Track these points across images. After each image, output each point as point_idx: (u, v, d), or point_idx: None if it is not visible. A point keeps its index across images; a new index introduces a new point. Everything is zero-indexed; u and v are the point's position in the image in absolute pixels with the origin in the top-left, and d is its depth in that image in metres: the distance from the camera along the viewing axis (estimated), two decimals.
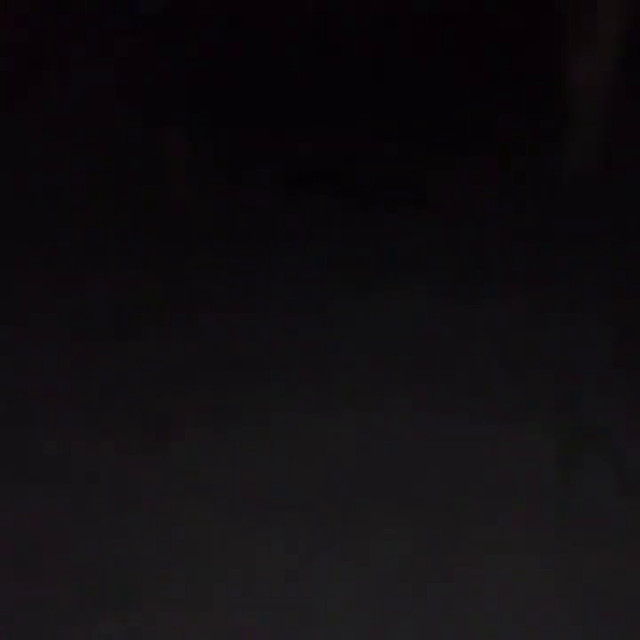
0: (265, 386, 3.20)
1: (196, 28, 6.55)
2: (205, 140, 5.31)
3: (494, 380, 3.21)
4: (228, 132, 5.55)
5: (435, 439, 2.92)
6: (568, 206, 4.62)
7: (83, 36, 6.38)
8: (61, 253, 4.01)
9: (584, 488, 2.67)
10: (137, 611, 2.27)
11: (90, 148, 5.10)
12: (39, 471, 2.79)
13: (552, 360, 3.33)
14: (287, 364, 3.32)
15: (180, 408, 3.01)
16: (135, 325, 3.51)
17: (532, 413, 3.00)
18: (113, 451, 2.85)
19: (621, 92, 4.99)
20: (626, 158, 4.94)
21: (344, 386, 3.19)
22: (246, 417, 3.00)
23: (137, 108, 5.59)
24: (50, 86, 5.77)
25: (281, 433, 2.92)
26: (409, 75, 6.62)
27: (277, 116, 5.86)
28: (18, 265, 3.91)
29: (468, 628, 2.22)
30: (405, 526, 2.53)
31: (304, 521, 2.56)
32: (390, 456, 2.84)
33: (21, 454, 2.85)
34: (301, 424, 2.98)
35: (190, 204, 4.72)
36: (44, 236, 4.15)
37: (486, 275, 4.03)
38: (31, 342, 3.39)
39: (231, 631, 2.22)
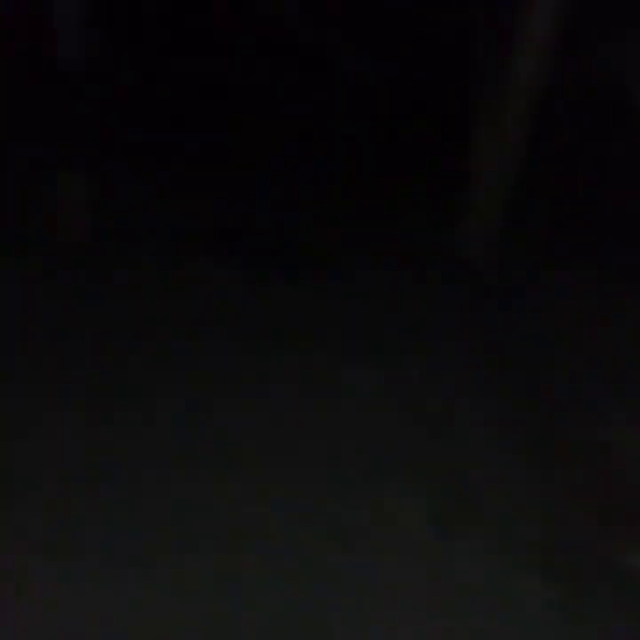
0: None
1: None
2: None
3: (374, 440, 3.34)
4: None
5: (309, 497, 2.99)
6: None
7: None
8: None
9: (457, 548, 2.78)
10: None
11: None
12: None
13: (429, 421, 3.47)
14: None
15: None
16: None
17: (407, 474, 3.11)
18: None
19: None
20: None
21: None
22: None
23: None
24: None
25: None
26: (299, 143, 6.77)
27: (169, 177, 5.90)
28: None
29: None
30: (279, 587, 2.59)
31: None
32: (271, 511, 2.90)
33: None
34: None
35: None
36: None
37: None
38: None
39: None
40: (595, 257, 4.79)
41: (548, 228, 5.29)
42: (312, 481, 3.09)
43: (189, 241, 5.10)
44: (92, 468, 3.02)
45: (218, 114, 7.07)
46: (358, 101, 7.42)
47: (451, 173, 5.37)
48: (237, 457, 3.20)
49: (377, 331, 4.34)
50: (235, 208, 5.66)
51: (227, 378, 3.76)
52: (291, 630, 2.44)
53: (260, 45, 7.21)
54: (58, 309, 4.17)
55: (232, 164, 6.39)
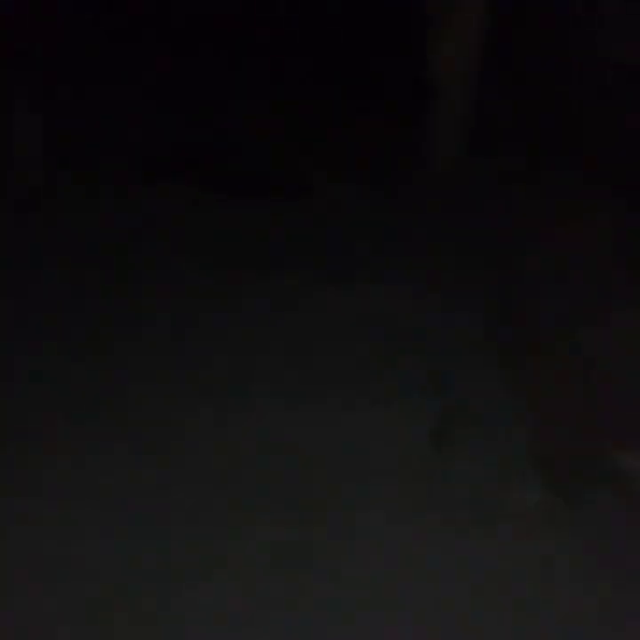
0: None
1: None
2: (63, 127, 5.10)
3: (371, 364, 3.37)
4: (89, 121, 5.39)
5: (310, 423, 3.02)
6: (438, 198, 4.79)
7: None
8: None
9: (457, 462, 2.84)
10: None
11: None
12: None
13: (424, 343, 3.50)
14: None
15: None
16: None
17: (406, 395, 3.14)
18: None
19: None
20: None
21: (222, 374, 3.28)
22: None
23: None
24: None
25: None
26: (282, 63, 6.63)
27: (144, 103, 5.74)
28: None
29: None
30: (283, 507, 2.63)
31: None
32: (269, 439, 2.93)
33: None
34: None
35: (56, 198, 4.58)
36: None
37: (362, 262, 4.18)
38: None
39: None
40: (557, 165, 4.80)
41: (510, 137, 5.27)
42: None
43: (164, 169, 5.06)
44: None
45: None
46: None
47: (417, 88, 5.30)
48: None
49: (354, 248, 4.37)
50: (209, 132, 5.59)
51: (206, 302, 3.80)
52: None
53: None
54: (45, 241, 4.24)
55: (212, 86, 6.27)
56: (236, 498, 2.66)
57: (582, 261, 3.86)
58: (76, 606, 2.23)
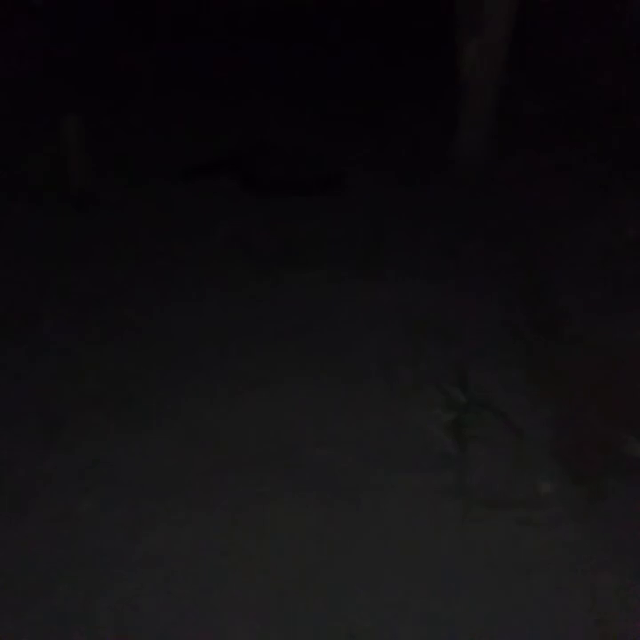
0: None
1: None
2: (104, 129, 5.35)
3: (396, 353, 3.44)
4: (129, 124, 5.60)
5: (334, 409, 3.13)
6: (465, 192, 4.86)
7: None
8: None
9: (475, 450, 2.90)
10: None
11: None
12: None
13: (449, 334, 3.56)
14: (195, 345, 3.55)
15: None
16: None
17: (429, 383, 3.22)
18: None
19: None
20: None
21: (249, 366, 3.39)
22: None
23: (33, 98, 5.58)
24: None
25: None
26: (311, 61, 6.77)
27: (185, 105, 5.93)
28: None
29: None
30: (314, 490, 2.74)
31: None
32: (299, 429, 3.03)
33: None
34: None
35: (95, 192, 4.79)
36: None
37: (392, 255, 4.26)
38: None
39: None
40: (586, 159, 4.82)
41: (538, 128, 5.31)
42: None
43: (198, 168, 5.25)
44: None
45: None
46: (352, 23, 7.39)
47: (447, 84, 5.36)
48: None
49: (384, 241, 4.46)
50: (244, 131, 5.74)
51: (240, 293, 3.96)
52: None
53: None
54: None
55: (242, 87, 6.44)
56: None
57: (607, 254, 3.89)
58: None
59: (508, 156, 5.09)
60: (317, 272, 4.09)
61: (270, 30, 7.78)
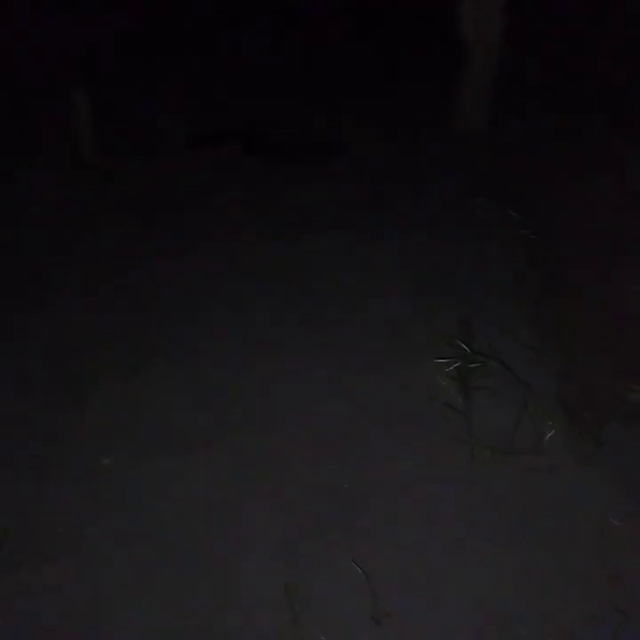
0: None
1: None
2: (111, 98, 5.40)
3: (400, 313, 3.53)
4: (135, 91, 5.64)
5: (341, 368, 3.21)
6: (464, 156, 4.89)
7: None
8: None
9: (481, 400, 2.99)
10: None
11: None
12: None
13: (450, 293, 3.64)
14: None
15: None
16: None
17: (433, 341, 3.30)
18: None
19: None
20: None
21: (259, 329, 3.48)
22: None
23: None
24: None
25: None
26: (316, 30, 6.76)
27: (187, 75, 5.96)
28: None
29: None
30: (326, 444, 2.84)
31: None
32: (311, 385, 3.12)
33: None
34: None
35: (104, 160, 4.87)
36: None
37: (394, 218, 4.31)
38: None
39: None
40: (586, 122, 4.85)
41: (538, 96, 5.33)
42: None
43: (204, 136, 5.31)
44: None
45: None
46: None
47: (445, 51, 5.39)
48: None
49: (385, 204, 4.53)
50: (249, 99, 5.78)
51: (252, 257, 4.04)
52: None
53: None
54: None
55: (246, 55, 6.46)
56: None
57: (612, 209, 3.92)
58: None
59: (509, 120, 5.13)
60: (324, 234, 4.17)
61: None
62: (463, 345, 3.19)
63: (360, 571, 2.38)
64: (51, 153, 4.95)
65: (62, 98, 4.93)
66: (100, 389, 3.12)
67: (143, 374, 3.20)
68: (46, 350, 3.37)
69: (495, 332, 3.30)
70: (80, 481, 2.71)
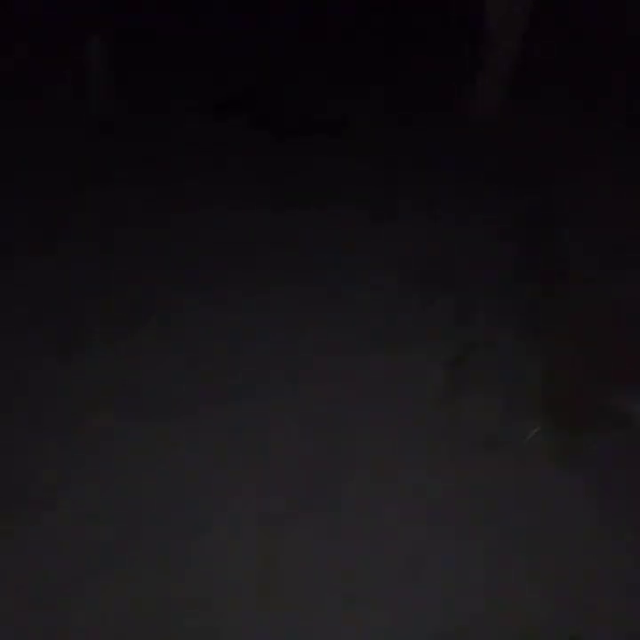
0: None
1: None
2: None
3: (398, 299, 3.55)
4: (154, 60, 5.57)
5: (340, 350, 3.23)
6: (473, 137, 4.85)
7: None
8: None
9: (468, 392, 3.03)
10: None
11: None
12: None
13: (449, 281, 3.65)
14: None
15: None
16: None
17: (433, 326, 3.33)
18: None
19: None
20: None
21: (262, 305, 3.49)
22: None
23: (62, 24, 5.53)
24: None
25: None
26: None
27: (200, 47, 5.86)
28: None
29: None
30: (312, 423, 2.88)
31: None
32: (301, 363, 3.15)
33: None
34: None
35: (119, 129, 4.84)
36: None
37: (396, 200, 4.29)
38: None
39: None
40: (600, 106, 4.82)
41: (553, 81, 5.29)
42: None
43: (212, 107, 5.25)
44: None
45: None
46: None
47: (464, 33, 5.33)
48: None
49: (387, 186, 4.51)
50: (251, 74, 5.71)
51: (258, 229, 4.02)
52: None
53: None
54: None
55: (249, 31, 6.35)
56: None
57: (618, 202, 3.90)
58: None
59: (523, 106, 5.09)
60: (326, 210, 4.16)
61: None
62: (456, 335, 3.20)
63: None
64: (62, 108, 4.91)
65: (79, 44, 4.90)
66: (91, 346, 3.16)
67: (138, 334, 3.23)
68: (43, 302, 3.39)
69: (489, 324, 3.33)
70: (59, 437, 2.75)
